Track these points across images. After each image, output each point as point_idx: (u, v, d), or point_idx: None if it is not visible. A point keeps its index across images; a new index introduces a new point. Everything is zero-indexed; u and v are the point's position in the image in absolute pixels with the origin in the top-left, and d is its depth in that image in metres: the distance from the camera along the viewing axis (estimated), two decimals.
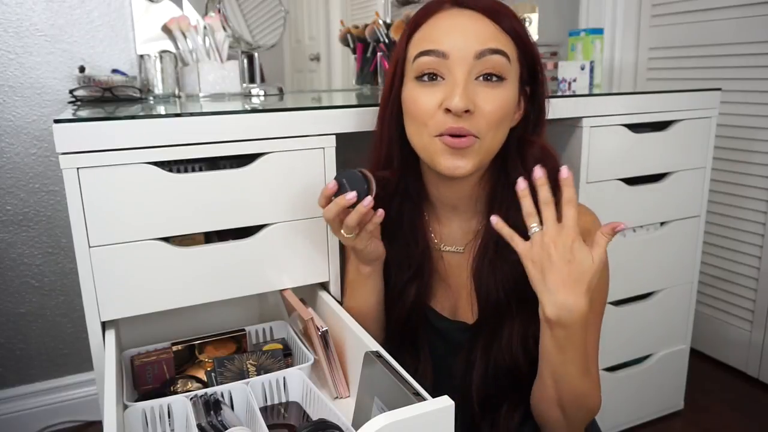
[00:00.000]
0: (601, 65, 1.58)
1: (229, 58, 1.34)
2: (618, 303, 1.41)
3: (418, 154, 0.82)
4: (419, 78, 0.77)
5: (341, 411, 0.71)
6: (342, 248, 0.97)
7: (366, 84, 1.68)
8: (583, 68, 1.45)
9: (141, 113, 0.87)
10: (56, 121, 0.76)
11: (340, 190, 0.80)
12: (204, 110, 0.88)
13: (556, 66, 1.64)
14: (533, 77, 0.81)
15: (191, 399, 0.74)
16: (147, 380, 0.89)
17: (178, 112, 0.87)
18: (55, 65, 1.44)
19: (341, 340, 0.87)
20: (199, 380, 0.89)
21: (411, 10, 1.62)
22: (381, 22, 1.60)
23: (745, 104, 1.71)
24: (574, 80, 1.46)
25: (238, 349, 0.96)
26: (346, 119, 0.92)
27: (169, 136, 0.82)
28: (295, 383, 0.83)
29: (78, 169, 0.77)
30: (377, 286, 0.90)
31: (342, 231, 0.81)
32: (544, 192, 0.70)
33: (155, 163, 0.82)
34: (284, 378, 0.83)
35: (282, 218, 0.92)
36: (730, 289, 1.83)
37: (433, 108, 0.75)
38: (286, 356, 0.91)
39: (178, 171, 0.86)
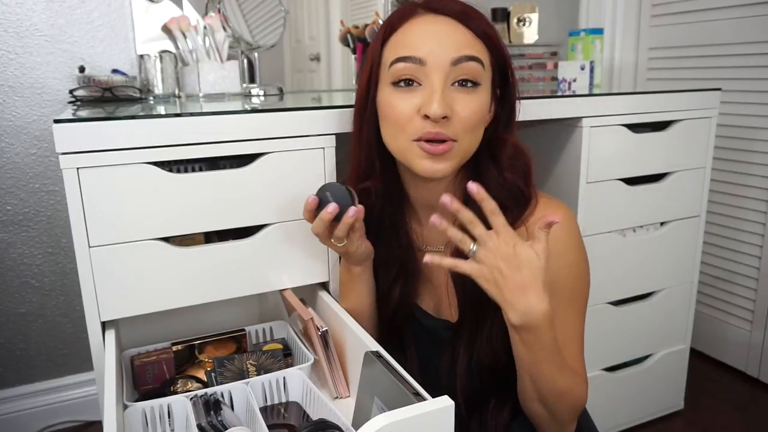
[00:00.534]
0: (601, 65, 1.58)
1: (229, 58, 1.34)
2: (618, 303, 1.41)
3: (394, 157, 0.83)
4: (396, 83, 0.78)
5: (341, 411, 0.72)
6: None
7: None
8: (583, 68, 1.45)
9: (141, 113, 0.87)
10: (56, 121, 0.76)
11: (322, 203, 0.81)
12: (204, 110, 0.88)
13: (556, 66, 1.64)
14: (504, 79, 0.83)
15: (191, 399, 0.74)
16: (147, 380, 0.89)
17: (178, 112, 0.87)
18: (55, 65, 1.44)
19: (341, 340, 0.88)
20: (199, 380, 0.89)
21: None
22: (381, 22, 1.60)
23: (745, 104, 1.71)
24: (574, 80, 1.46)
25: (238, 349, 0.96)
26: (346, 119, 0.92)
27: (169, 136, 0.82)
28: (295, 383, 0.83)
29: (78, 169, 0.78)
30: (370, 285, 0.91)
31: (332, 241, 0.83)
32: (466, 214, 0.71)
33: (155, 163, 0.82)
34: (284, 378, 0.83)
35: (282, 218, 0.92)
36: (730, 289, 1.83)
37: (411, 113, 0.76)
38: (286, 356, 0.91)
39: (178, 171, 0.86)
